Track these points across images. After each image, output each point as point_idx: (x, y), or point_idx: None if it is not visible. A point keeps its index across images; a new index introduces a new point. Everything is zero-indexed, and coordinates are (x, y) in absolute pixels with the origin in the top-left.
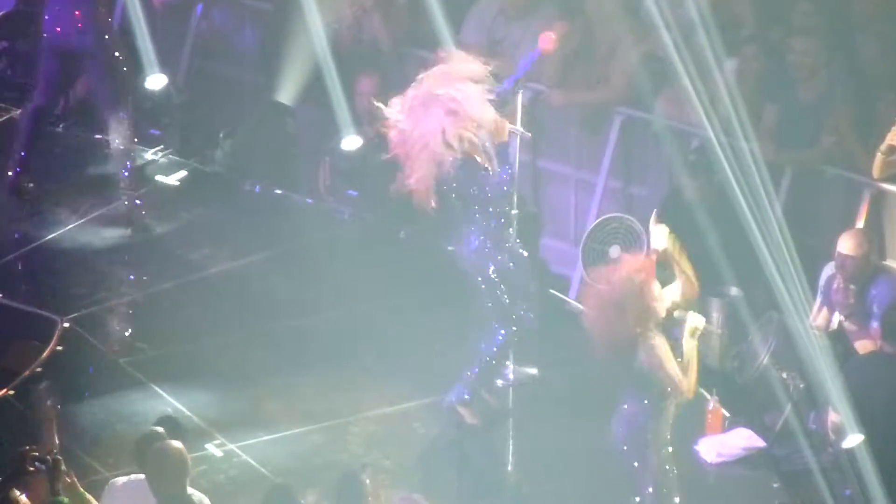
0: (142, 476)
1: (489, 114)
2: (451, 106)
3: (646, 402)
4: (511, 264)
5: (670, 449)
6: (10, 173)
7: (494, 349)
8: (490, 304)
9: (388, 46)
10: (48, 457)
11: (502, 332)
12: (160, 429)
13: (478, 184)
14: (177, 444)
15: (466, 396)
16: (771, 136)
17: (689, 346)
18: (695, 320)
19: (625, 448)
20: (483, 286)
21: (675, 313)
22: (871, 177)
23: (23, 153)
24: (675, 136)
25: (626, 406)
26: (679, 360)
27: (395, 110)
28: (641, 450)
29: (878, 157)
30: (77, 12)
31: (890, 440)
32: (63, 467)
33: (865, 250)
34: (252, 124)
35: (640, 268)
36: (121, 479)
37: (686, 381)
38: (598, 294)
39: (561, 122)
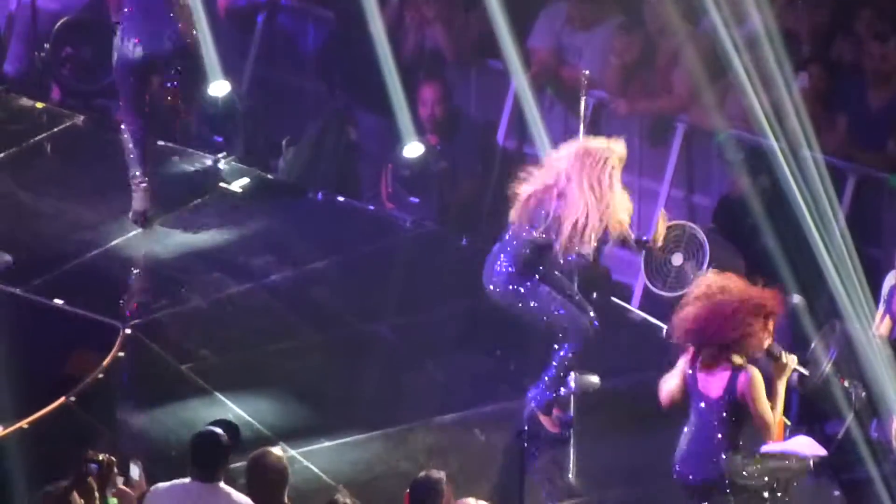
0: (185, 480)
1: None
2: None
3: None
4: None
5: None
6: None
7: (570, 355)
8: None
9: (450, 55)
10: (101, 458)
11: (573, 339)
12: (218, 430)
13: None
14: (278, 453)
15: (544, 404)
16: (842, 147)
17: (780, 385)
18: (789, 359)
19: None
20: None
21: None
22: None
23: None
24: (738, 145)
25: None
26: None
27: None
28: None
29: None
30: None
31: None
32: (115, 470)
33: None
34: (314, 132)
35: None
36: (164, 485)
37: (774, 419)
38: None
39: (624, 130)
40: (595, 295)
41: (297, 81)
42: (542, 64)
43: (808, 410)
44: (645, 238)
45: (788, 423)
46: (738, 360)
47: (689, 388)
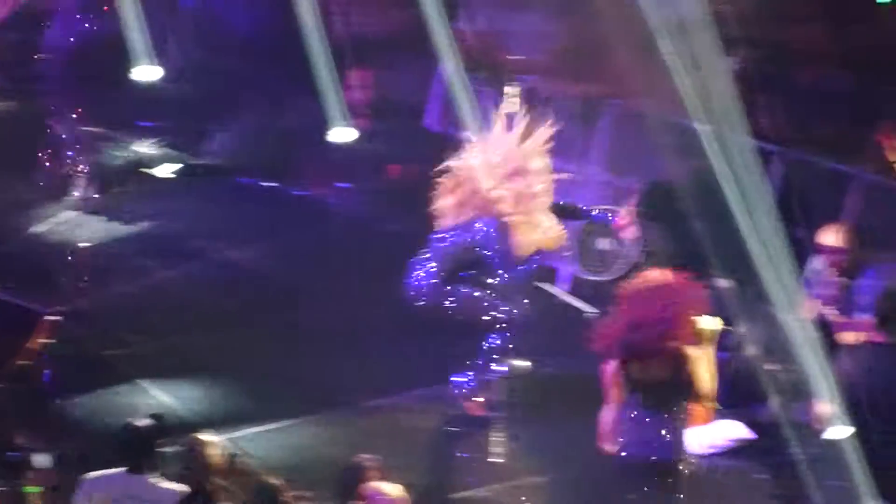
0: (116, 470)
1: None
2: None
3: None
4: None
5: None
6: None
7: (498, 341)
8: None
9: (380, 39)
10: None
11: (501, 326)
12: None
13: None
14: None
15: (472, 388)
16: (769, 126)
17: (710, 351)
18: (712, 324)
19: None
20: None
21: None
22: (861, 168)
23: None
24: (667, 129)
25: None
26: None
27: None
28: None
29: (868, 153)
30: None
31: (877, 431)
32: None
33: (850, 243)
34: (244, 116)
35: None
36: (94, 474)
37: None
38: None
39: (554, 113)
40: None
41: (228, 66)
42: (471, 47)
43: (735, 393)
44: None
45: (717, 406)
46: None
47: (628, 385)
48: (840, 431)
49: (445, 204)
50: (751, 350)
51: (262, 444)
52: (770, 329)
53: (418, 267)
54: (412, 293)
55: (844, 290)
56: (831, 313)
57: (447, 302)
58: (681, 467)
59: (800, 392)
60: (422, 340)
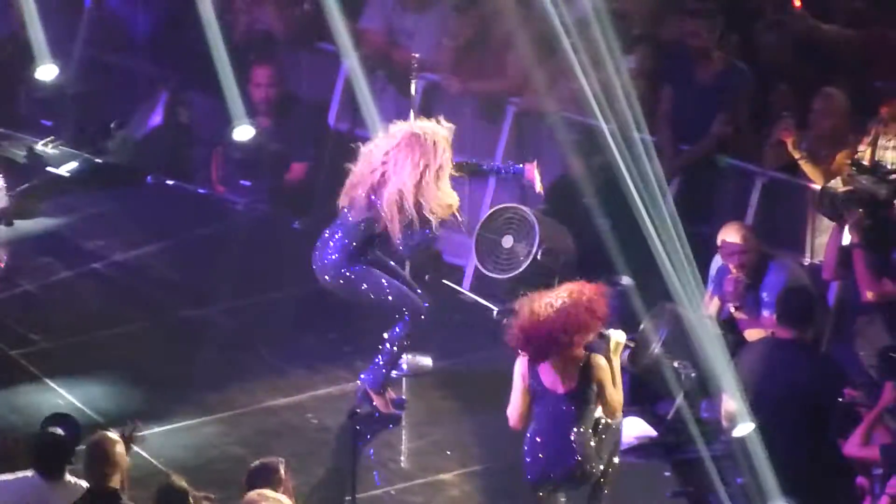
0: (27, 473)
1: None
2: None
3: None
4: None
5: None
6: None
7: (402, 337)
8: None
9: (281, 37)
10: None
11: (405, 321)
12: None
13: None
14: (114, 437)
15: (379, 383)
16: (667, 120)
17: (615, 363)
18: (618, 336)
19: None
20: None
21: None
22: (762, 166)
23: None
24: (568, 127)
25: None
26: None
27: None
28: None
29: (768, 149)
30: None
31: (781, 428)
32: None
33: (748, 239)
34: (144, 114)
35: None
36: (4, 477)
37: (619, 397)
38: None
39: (455, 111)
40: (427, 277)
41: (128, 63)
42: (373, 45)
43: (639, 391)
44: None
45: None
46: (579, 352)
47: (534, 394)
48: (745, 428)
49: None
50: (655, 348)
51: (166, 443)
52: (674, 327)
53: (323, 245)
54: (319, 273)
55: (747, 287)
56: (734, 311)
57: (351, 284)
58: (589, 469)
59: (704, 390)
60: (327, 338)
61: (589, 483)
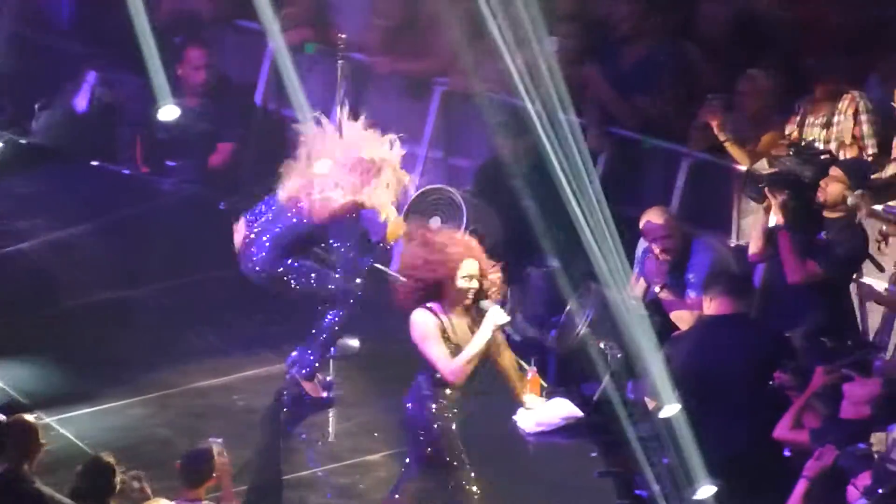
0: None
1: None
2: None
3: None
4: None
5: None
6: None
7: (336, 321)
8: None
9: (207, 16)
10: None
11: (337, 311)
12: None
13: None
14: (30, 419)
15: (309, 370)
16: (593, 102)
17: (482, 334)
18: (498, 317)
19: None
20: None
21: (482, 303)
22: (688, 147)
23: None
24: (496, 108)
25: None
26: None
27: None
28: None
29: (694, 131)
30: None
31: (708, 408)
32: None
33: (672, 221)
34: (68, 94)
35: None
36: None
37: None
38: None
39: (383, 92)
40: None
41: (52, 44)
42: (299, 25)
43: (565, 372)
44: (374, 239)
45: (546, 384)
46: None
47: None
48: (671, 409)
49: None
50: (581, 328)
51: (92, 425)
52: (600, 308)
53: (256, 243)
54: (252, 268)
55: (671, 268)
56: (660, 292)
57: (284, 275)
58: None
59: (631, 370)
60: (255, 319)
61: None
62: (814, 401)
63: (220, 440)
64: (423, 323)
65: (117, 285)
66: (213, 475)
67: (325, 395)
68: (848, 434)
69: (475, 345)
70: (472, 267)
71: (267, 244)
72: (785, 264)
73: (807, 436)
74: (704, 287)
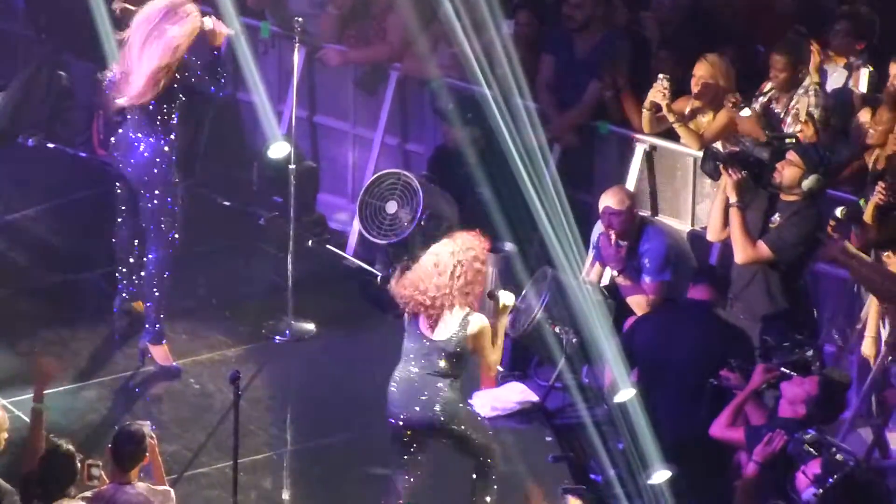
0: None
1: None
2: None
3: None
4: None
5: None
6: None
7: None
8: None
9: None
10: None
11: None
12: None
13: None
14: None
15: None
16: (548, 88)
17: (500, 322)
18: (507, 298)
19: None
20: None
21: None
22: (643, 132)
23: None
24: (451, 93)
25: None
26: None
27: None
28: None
29: (645, 113)
30: None
31: (663, 393)
32: None
33: (629, 205)
34: (24, 77)
35: (477, 243)
36: None
37: (495, 357)
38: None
39: (338, 77)
40: (310, 242)
41: (5, 26)
42: (255, 9)
43: (521, 356)
44: None
45: (501, 369)
46: (462, 307)
47: (408, 333)
48: (626, 394)
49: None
50: (536, 313)
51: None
52: (555, 292)
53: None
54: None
55: (627, 252)
56: (615, 276)
57: None
58: (454, 428)
59: (586, 355)
60: (209, 303)
61: (450, 437)
62: (752, 398)
63: (147, 422)
64: (486, 325)
65: (69, 268)
66: (145, 456)
67: (174, 363)
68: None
69: (502, 334)
70: None
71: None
72: (734, 244)
73: (742, 434)
74: (694, 276)
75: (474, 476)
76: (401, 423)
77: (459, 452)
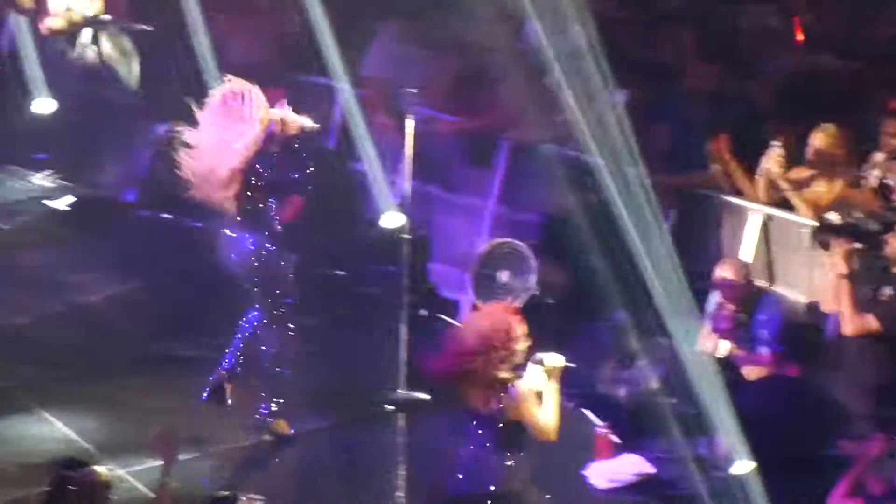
0: None
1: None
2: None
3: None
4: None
5: None
6: None
7: (250, 326)
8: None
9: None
10: None
11: (255, 311)
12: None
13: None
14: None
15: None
16: (661, 158)
17: (550, 387)
18: (554, 360)
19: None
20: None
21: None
22: (758, 202)
23: None
24: (563, 162)
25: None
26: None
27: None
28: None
29: (760, 181)
30: None
31: (780, 465)
32: None
33: (745, 275)
34: (137, 147)
35: (507, 312)
36: None
37: (551, 422)
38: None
39: (447, 147)
40: (421, 311)
41: (117, 97)
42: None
43: (637, 427)
44: None
45: (617, 440)
46: (504, 375)
47: None
48: (742, 466)
49: None
50: (652, 385)
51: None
52: (671, 364)
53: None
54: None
55: (743, 324)
56: (732, 348)
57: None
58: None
59: (702, 427)
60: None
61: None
62: (874, 468)
63: (261, 497)
64: (527, 391)
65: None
66: None
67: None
68: None
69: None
70: None
71: None
72: (843, 314)
73: None
74: (783, 347)
75: None
76: None
77: None
